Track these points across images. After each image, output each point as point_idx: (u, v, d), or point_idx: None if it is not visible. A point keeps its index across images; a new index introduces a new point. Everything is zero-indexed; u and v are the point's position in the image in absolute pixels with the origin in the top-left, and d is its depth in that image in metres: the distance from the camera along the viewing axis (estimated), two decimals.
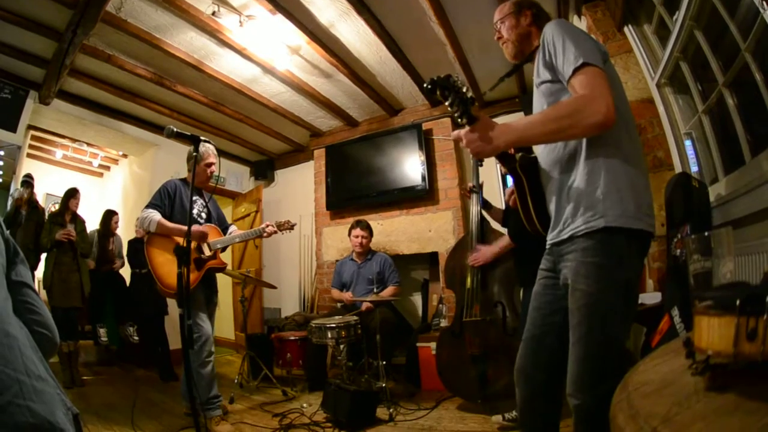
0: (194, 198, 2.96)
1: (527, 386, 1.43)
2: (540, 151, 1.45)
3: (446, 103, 1.21)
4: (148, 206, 2.82)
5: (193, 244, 2.72)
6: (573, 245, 1.28)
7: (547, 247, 1.44)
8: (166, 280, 2.69)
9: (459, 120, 1.24)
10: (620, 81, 1.36)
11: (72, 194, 4.18)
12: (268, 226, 2.97)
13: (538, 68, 1.39)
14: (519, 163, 1.46)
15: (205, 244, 2.84)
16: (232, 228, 3.19)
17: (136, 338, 4.57)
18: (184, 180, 3.04)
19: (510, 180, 1.57)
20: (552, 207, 1.39)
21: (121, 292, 4.70)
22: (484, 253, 2.97)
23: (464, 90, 1.18)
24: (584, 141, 1.27)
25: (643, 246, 1.27)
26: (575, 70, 1.19)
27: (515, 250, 2.75)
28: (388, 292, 3.85)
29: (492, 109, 4.69)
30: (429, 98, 4.71)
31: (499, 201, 4.07)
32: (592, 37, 1.34)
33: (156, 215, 2.75)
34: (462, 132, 1.27)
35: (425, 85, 1.20)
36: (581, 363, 1.22)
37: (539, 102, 1.42)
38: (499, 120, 4.75)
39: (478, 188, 3.06)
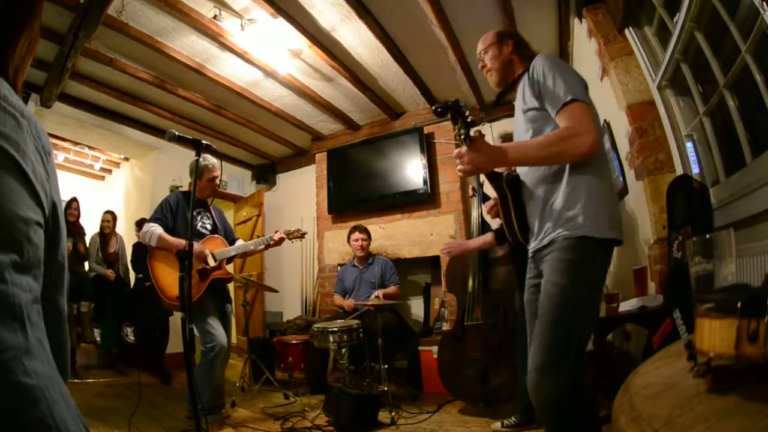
0: (199, 210, 2.94)
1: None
2: (523, 169, 1.59)
3: (455, 126, 1.33)
4: (150, 220, 2.80)
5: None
6: (551, 247, 1.41)
7: (530, 255, 1.56)
8: (169, 292, 2.69)
9: (461, 140, 1.36)
10: (594, 107, 1.46)
11: (67, 205, 4.20)
12: (276, 233, 2.95)
13: (524, 95, 1.53)
14: (505, 180, 1.59)
15: (210, 255, 2.80)
16: (239, 242, 3.14)
17: (132, 338, 4.54)
18: (185, 194, 3.01)
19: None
20: (535, 221, 1.51)
21: (122, 295, 4.70)
22: (461, 245, 3.01)
23: (467, 114, 1.31)
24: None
25: (611, 251, 1.44)
26: (564, 104, 1.35)
27: (515, 254, 2.75)
28: (389, 292, 3.85)
29: (493, 113, 4.70)
30: (431, 102, 4.71)
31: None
32: (575, 71, 1.48)
33: (157, 229, 2.72)
34: (462, 150, 1.39)
35: (436, 107, 1.34)
36: (545, 351, 1.32)
37: (524, 126, 1.54)
38: (501, 124, 4.76)
39: (479, 188, 3.07)
